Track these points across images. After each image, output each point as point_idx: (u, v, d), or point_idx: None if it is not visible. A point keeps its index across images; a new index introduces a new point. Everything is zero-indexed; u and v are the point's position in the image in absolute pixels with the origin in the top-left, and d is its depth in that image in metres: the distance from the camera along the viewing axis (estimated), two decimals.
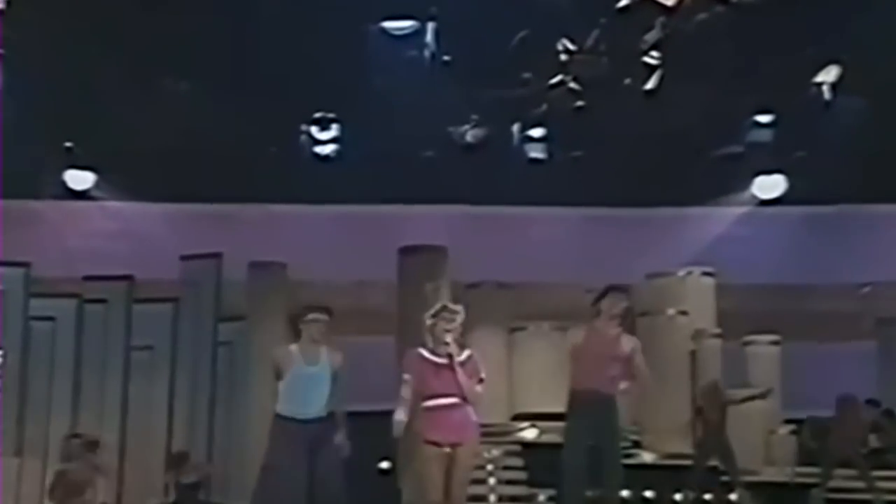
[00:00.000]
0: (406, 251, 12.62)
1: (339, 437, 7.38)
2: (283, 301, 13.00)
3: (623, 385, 12.91)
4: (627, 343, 7.72)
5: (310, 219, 14.94)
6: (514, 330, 13.65)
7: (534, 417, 12.44)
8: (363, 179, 13.96)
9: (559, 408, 12.70)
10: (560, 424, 11.89)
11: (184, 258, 13.37)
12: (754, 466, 12.57)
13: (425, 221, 14.54)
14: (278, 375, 7.49)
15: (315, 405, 7.40)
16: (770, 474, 12.60)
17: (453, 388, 6.96)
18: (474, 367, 7.05)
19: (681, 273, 13.75)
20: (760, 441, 13.03)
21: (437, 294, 12.19)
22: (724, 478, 11.84)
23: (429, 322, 7.10)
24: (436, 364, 7.01)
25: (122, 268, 13.56)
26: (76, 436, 10.99)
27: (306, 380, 7.44)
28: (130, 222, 14.82)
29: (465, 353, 7.07)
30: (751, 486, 11.95)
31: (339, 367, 7.53)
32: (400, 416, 6.97)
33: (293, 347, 7.54)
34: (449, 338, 6.97)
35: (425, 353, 7.07)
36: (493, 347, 13.28)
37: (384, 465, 13.04)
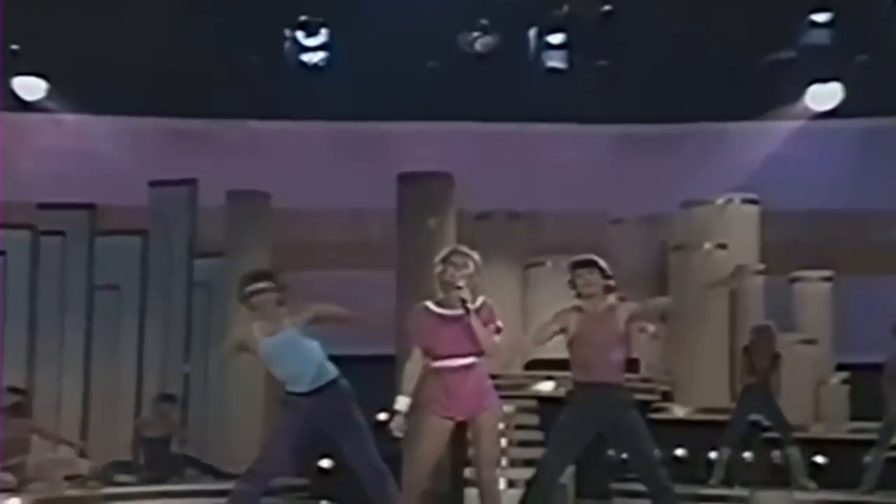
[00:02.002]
0: (406, 178, 12.66)
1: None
2: (266, 235, 13.21)
3: (651, 328, 13.25)
4: (621, 315, 7.65)
5: (296, 137, 14.97)
6: (529, 266, 13.69)
7: (550, 365, 12.53)
8: (357, 92, 13.96)
9: None
10: None
11: (153, 185, 13.51)
12: (802, 421, 12.71)
13: (429, 141, 14.60)
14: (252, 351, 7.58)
15: (301, 377, 7.52)
16: (820, 430, 12.74)
17: (468, 345, 6.80)
18: (490, 315, 6.87)
19: (720, 201, 13.80)
20: (809, 393, 13.14)
21: (441, 230, 12.30)
22: (767, 434, 12.01)
23: (437, 268, 6.94)
24: (445, 318, 6.86)
25: (82, 194, 13.70)
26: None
27: (273, 354, 7.53)
28: (90, 139, 14.83)
29: (480, 300, 6.88)
30: (798, 443, 12.09)
31: (303, 325, 7.54)
32: (401, 404, 6.84)
33: (255, 324, 7.61)
34: (462, 281, 6.79)
35: (432, 307, 6.94)
36: (506, 286, 13.40)
37: (382, 416, 13.30)
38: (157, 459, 11.73)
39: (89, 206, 13.57)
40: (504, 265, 13.42)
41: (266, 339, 7.44)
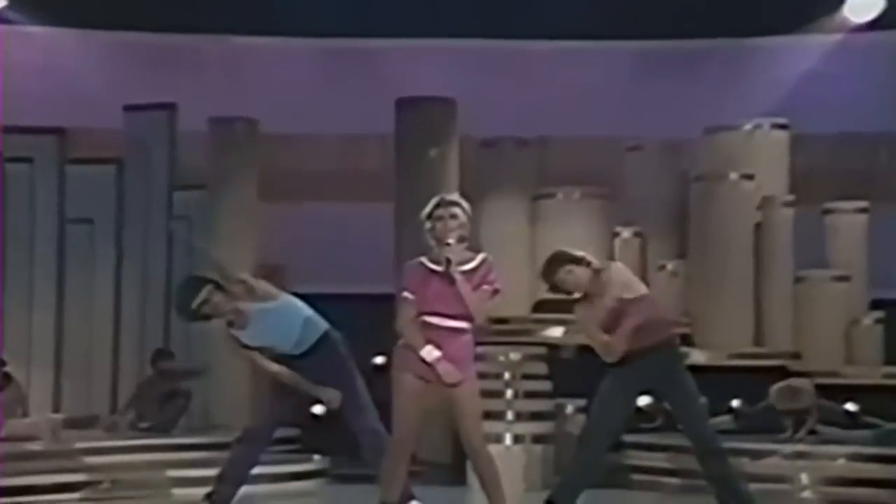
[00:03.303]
0: (405, 104, 12.74)
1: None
2: (252, 164, 13.26)
3: (670, 265, 13.41)
4: (620, 290, 7.89)
5: (284, 55, 15.06)
6: (538, 198, 13.73)
7: (561, 307, 12.64)
8: (350, 6, 13.99)
9: None
10: None
11: (128, 109, 13.55)
12: (832, 365, 12.94)
13: (428, 59, 14.67)
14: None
15: (286, 342, 7.94)
16: (852, 375, 12.93)
17: (456, 306, 6.98)
18: (486, 276, 7.02)
19: (747, 126, 13.81)
20: (839, 334, 13.32)
21: (442, 160, 12.41)
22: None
23: (426, 225, 7.09)
24: (434, 272, 7.03)
25: (50, 116, 13.70)
26: None
27: (252, 336, 7.94)
28: (58, 55, 14.91)
29: (478, 258, 7.07)
30: (829, 389, 12.24)
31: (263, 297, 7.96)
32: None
33: (226, 333, 8.04)
34: (452, 237, 6.97)
35: (425, 262, 7.10)
36: (513, 219, 13.55)
37: (379, 360, 13.47)
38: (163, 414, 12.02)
39: (58, 131, 13.60)
40: (511, 197, 13.52)
41: (240, 332, 7.77)
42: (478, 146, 13.69)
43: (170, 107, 13.53)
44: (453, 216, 7.04)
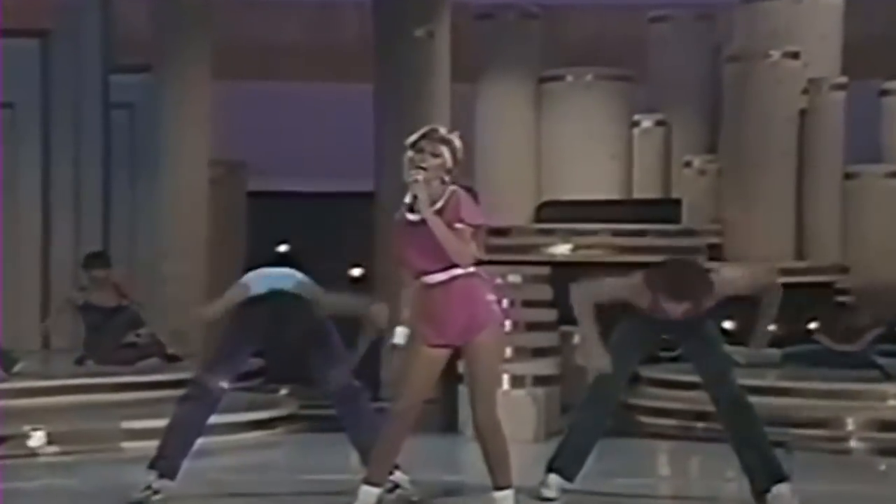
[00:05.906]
0: None
1: None
2: (205, 40, 12.95)
3: (699, 161, 13.31)
4: None
5: None
6: (544, 80, 13.67)
7: (568, 212, 12.63)
8: None
9: (606, 193, 13.18)
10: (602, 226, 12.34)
11: None
12: (887, 279, 12.97)
13: None
14: None
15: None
16: None
17: (438, 256, 6.91)
18: (455, 213, 6.91)
19: None
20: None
21: (430, 38, 12.24)
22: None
23: (409, 154, 6.96)
24: (413, 224, 6.95)
25: None
26: None
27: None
28: None
29: (448, 192, 6.94)
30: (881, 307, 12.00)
31: None
32: (399, 337, 7.05)
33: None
34: (420, 173, 6.87)
35: (406, 212, 7.00)
36: (515, 106, 13.53)
37: (356, 272, 13.50)
38: (103, 339, 11.48)
39: None
40: (512, 79, 13.49)
41: None
42: (473, 18, 13.61)
43: None
44: (436, 154, 6.94)
